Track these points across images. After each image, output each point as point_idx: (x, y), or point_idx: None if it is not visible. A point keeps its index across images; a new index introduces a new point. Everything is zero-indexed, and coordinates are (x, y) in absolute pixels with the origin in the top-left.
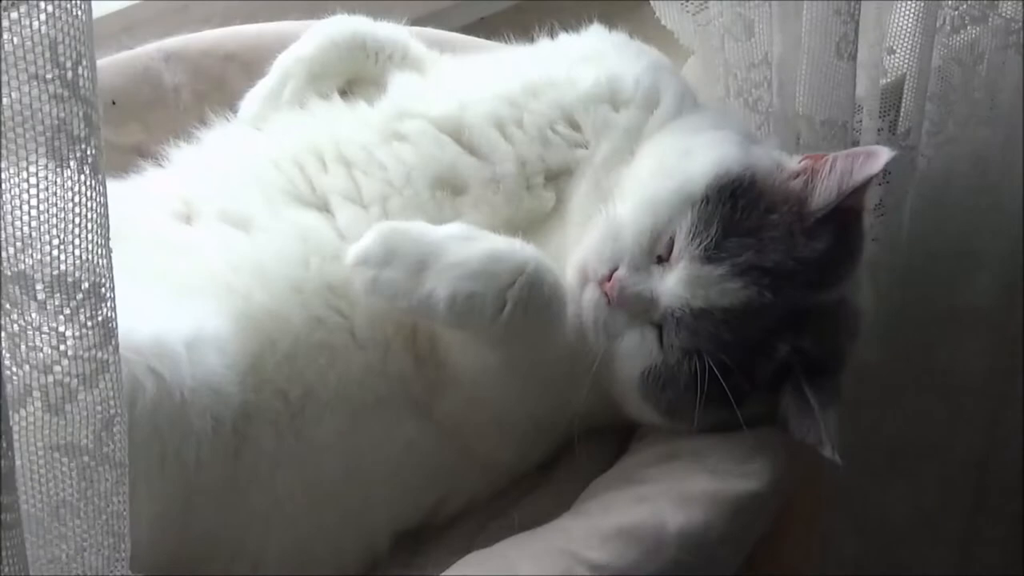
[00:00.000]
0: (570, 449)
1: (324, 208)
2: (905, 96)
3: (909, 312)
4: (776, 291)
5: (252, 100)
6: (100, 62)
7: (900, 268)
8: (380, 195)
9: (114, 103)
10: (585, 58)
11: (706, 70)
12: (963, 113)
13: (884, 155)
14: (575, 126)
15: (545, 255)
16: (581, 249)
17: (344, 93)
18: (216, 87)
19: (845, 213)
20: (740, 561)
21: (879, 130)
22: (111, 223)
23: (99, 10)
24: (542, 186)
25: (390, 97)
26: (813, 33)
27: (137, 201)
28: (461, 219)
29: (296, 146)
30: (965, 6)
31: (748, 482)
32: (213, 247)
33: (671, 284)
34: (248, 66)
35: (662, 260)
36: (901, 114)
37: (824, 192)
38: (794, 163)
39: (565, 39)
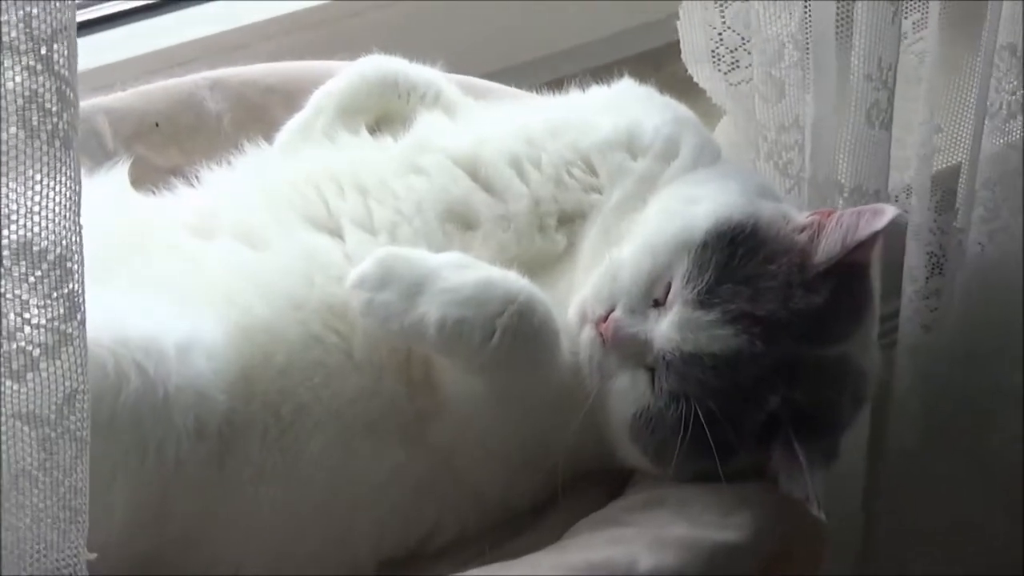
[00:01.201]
0: (564, 493)
1: (336, 233)
2: (960, 181)
3: (954, 396)
4: (768, 341)
5: (286, 131)
6: (149, 87)
7: (946, 352)
8: (390, 223)
9: (157, 125)
10: (609, 106)
11: (738, 130)
12: (1018, 201)
13: (889, 212)
14: (592, 171)
15: (541, 291)
16: (583, 289)
17: (376, 130)
18: (256, 117)
19: (850, 269)
20: None
21: (928, 209)
22: (132, 231)
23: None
24: (554, 228)
25: (413, 133)
26: (844, 99)
27: (160, 215)
28: (469, 254)
29: (317, 173)
30: (1021, 93)
31: (727, 533)
32: (221, 261)
33: (664, 327)
34: (288, 99)
35: (659, 304)
36: (958, 200)
37: (828, 246)
38: (802, 218)
39: (594, 90)
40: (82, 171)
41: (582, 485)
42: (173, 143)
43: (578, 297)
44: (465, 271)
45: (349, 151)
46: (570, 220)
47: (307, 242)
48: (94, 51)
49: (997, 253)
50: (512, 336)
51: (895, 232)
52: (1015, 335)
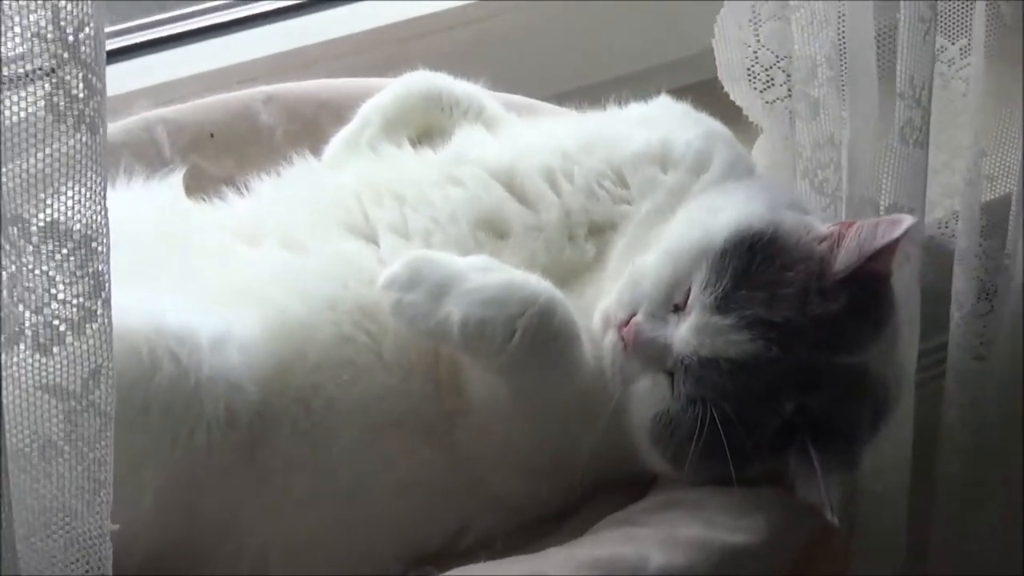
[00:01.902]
0: (588, 499)
1: (371, 239)
2: (1011, 209)
3: (1003, 423)
4: (784, 346)
5: (334, 144)
6: (206, 100)
7: (995, 378)
8: (424, 230)
9: (212, 136)
10: (643, 122)
11: (774, 149)
12: None
13: (907, 221)
14: (623, 183)
15: (568, 298)
16: (608, 296)
17: (420, 143)
18: (307, 130)
19: (869, 279)
20: None
21: (976, 234)
22: (180, 234)
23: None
24: (583, 238)
25: (452, 145)
26: (878, 117)
27: (209, 220)
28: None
29: (358, 183)
30: None
31: (740, 535)
32: (262, 264)
33: (682, 332)
34: (338, 113)
35: (679, 309)
36: (1009, 226)
37: (846, 255)
38: (824, 228)
39: (632, 106)
40: (139, 178)
41: (607, 491)
42: (227, 154)
43: (602, 303)
44: (489, 273)
45: (391, 163)
46: (600, 231)
47: (343, 247)
48: (161, 67)
49: None
50: (532, 336)
51: (941, 260)
52: None
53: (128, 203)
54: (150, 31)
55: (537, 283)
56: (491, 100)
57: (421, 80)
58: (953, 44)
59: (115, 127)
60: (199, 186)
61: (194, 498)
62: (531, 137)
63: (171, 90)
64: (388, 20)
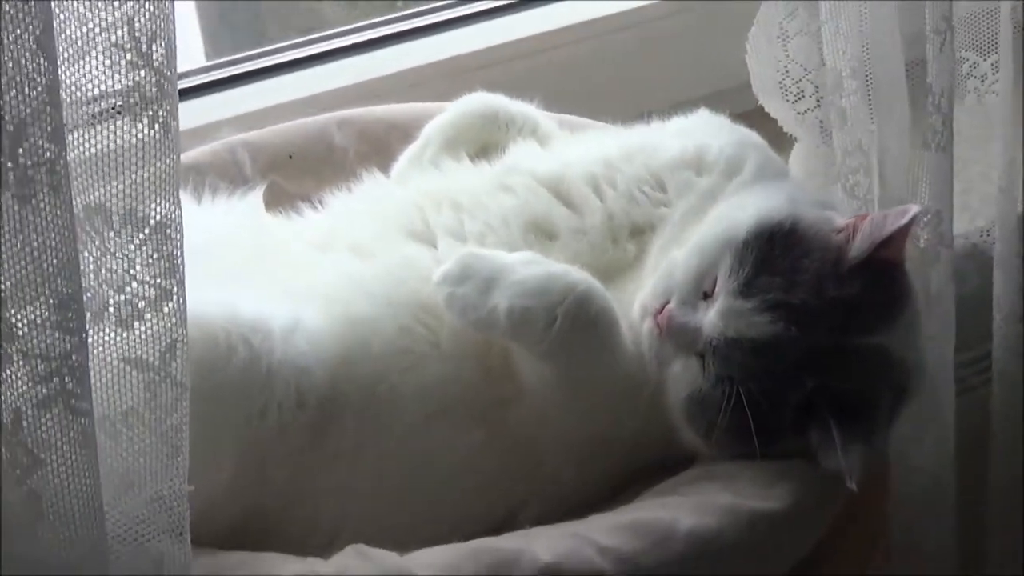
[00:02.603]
0: (636, 480)
1: (431, 243)
2: None
3: None
4: (802, 327)
5: (400, 161)
6: (285, 124)
7: None
8: (479, 233)
9: (291, 157)
10: (681, 132)
11: (808, 157)
12: None
13: (912, 210)
14: (661, 188)
15: (610, 293)
16: (645, 288)
17: (479, 158)
18: (377, 150)
19: (884, 265)
20: None
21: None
22: (259, 244)
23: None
24: (625, 239)
25: (506, 158)
26: (903, 123)
27: (285, 231)
28: None
29: (420, 194)
30: None
31: (767, 502)
32: (331, 268)
33: (711, 316)
34: (406, 133)
35: (708, 296)
36: None
37: (859, 243)
38: (841, 221)
39: (673, 120)
40: (223, 193)
41: (653, 472)
42: (304, 173)
43: (640, 295)
44: (533, 266)
45: (450, 175)
46: (640, 232)
47: (406, 251)
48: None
49: None
50: (572, 321)
51: (984, 266)
52: None
53: (212, 215)
54: (237, 66)
55: (576, 273)
56: (544, 118)
57: (479, 101)
58: (985, 60)
59: (201, 150)
60: (278, 202)
61: (269, 472)
62: (577, 148)
63: (255, 119)
64: (449, 54)
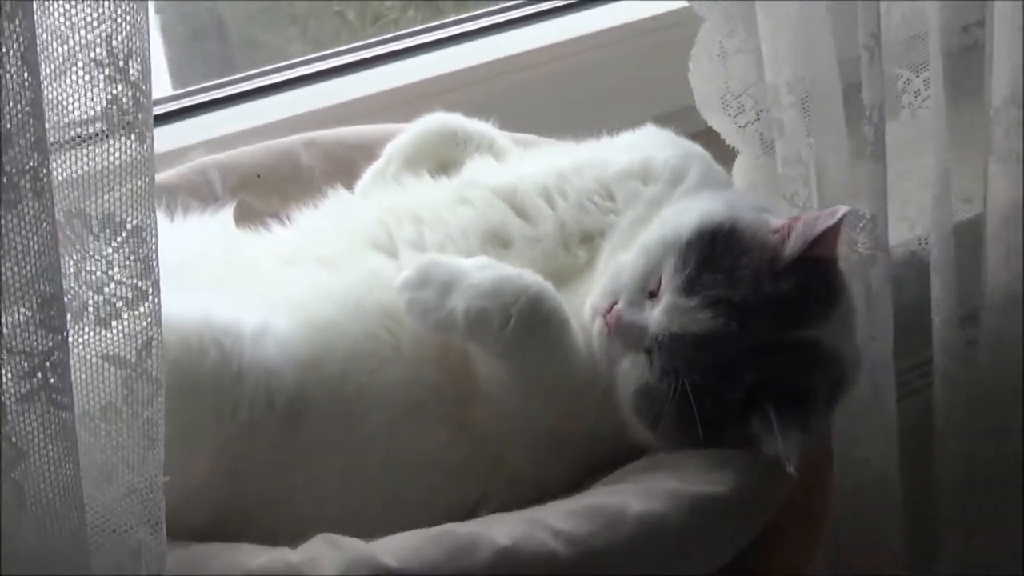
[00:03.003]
0: (592, 475)
1: (393, 254)
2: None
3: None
4: (742, 322)
5: (363, 179)
6: (254, 146)
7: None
8: (439, 244)
9: (259, 176)
10: (630, 146)
11: (749, 168)
12: None
13: (841, 211)
14: (610, 197)
15: (562, 295)
16: (595, 291)
17: (438, 174)
18: (342, 169)
19: (817, 263)
20: (719, 562)
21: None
22: (230, 258)
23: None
24: (576, 246)
25: (464, 173)
26: (840, 136)
27: (255, 246)
28: None
29: (383, 209)
30: None
31: (711, 487)
32: (299, 278)
33: (656, 313)
34: (369, 153)
35: (654, 295)
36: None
37: (793, 242)
38: (777, 222)
39: (621, 135)
40: (194, 212)
41: (607, 470)
42: (272, 191)
43: (591, 297)
44: (487, 270)
45: (411, 190)
46: (591, 239)
47: (369, 262)
48: (218, 124)
49: (1021, 290)
50: (525, 321)
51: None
52: None
53: (184, 232)
54: (207, 93)
55: (529, 276)
56: (500, 135)
57: (437, 120)
58: (918, 76)
59: (172, 171)
60: (247, 219)
61: (242, 468)
62: (531, 163)
63: (224, 144)
64: (409, 80)
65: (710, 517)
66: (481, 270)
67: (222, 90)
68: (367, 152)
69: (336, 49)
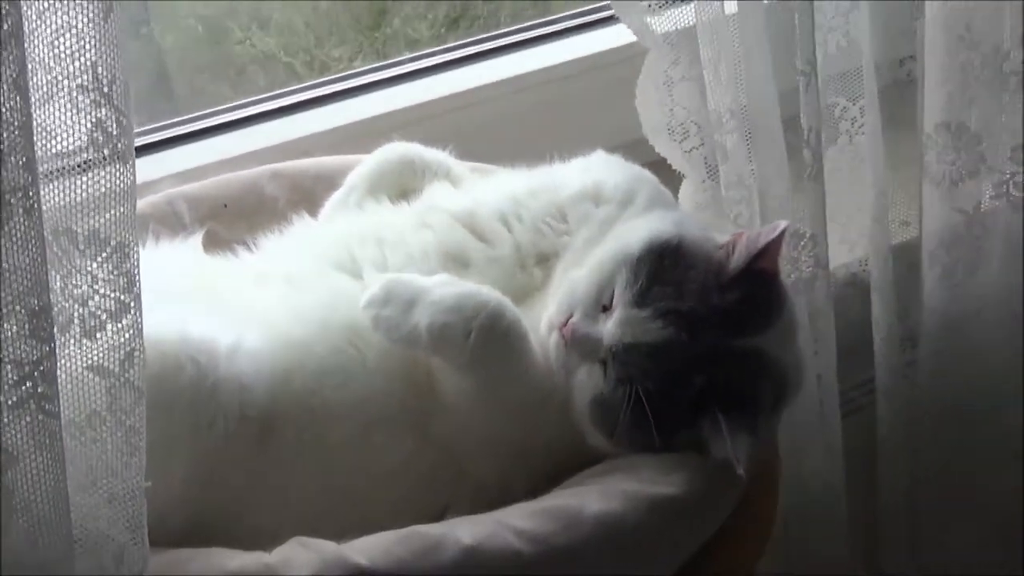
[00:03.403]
0: (553, 482)
1: (357, 275)
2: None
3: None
4: (691, 332)
5: (326, 206)
6: (221, 177)
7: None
8: (401, 265)
9: (226, 206)
10: (582, 171)
11: (695, 191)
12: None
13: (783, 225)
14: (564, 219)
15: (519, 312)
16: (551, 306)
17: (398, 201)
18: (305, 198)
19: (760, 276)
20: (675, 562)
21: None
22: (200, 283)
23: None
24: (533, 265)
25: (424, 198)
26: (781, 159)
27: (224, 271)
28: None
29: (346, 232)
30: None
31: (666, 488)
32: (268, 299)
33: (610, 325)
34: (332, 182)
35: (607, 309)
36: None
37: (737, 255)
38: (722, 238)
39: (573, 161)
40: (164, 239)
41: (570, 475)
42: (239, 220)
43: (547, 312)
44: (449, 287)
45: (374, 215)
46: (546, 259)
47: (334, 282)
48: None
49: (958, 308)
50: (486, 334)
51: (865, 293)
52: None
53: (154, 259)
54: (175, 128)
55: (488, 292)
56: (456, 163)
57: (396, 149)
58: (854, 104)
59: (142, 202)
60: (215, 246)
61: (218, 477)
62: (488, 188)
63: (193, 175)
64: (369, 114)
65: (667, 517)
66: (443, 287)
67: (189, 125)
68: (330, 182)
69: (299, 85)
